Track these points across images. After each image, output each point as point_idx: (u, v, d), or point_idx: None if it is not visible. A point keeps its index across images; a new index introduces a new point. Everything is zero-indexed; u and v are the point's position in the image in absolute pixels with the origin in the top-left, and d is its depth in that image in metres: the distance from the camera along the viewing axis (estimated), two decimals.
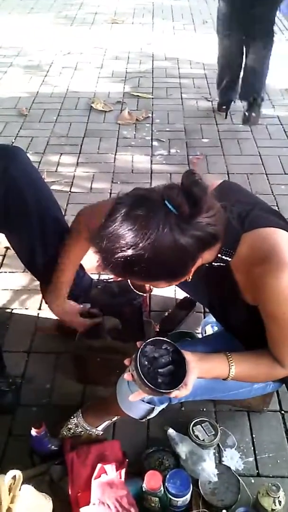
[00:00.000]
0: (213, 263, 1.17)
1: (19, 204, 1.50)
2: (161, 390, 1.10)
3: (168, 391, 1.11)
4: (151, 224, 0.97)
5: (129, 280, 1.16)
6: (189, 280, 1.13)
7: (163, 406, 1.39)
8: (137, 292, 1.20)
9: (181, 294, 2.10)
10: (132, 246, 0.97)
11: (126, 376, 1.15)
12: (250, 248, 1.14)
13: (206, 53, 4.93)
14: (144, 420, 1.41)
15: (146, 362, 1.14)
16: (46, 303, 1.68)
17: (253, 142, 3.39)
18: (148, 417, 1.40)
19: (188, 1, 6.62)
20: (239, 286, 1.20)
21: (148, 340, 1.17)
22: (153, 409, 1.36)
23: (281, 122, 3.67)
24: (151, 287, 1.12)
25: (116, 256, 0.99)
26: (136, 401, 1.29)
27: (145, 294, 1.18)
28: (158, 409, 1.38)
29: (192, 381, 1.15)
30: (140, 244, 0.97)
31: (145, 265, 0.99)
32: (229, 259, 1.15)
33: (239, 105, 3.89)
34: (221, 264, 1.17)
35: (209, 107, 3.88)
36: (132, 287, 1.17)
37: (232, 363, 1.22)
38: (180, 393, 1.13)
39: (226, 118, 3.65)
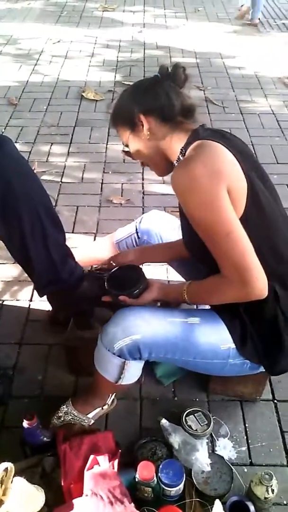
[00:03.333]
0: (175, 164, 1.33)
1: (6, 194, 1.47)
2: (111, 291, 1.45)
3: (118, 293, 1.42)
4: (140, 81, 1.38)
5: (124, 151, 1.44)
6: (146, 138, 1.33)
7: (136, 364, 1.40)
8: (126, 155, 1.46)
9: (173, 282, 2.10)
10: (120, 95, 1.38)
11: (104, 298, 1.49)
12: (189, 151, 1.24)
13: (198, 41, 4.90)
14: (119, 382, 1.42)
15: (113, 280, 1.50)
16: None
17: (246, 131, 3.38)
18: (122, 379, 1.41)
19: None
20: None
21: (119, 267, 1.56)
22: (123, 364, 1.37)
23: (274, 112, 3.66)
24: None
25: (112, 109, 1.39)
26: (107, 356, 1.38)
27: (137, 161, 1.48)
28: (130, 366, 1.39)
29: (145, 298, 1.41)
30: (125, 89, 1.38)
31: (116, 103, 1.37)
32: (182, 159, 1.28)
33: (231, 95, 3.88)
34: None
35: (201, 96, 3.85)
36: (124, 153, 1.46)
37: (185, 287, 1.37)
38: (129, 301, 1.40)
39: None
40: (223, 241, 1.18)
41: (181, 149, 1.31)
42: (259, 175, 1.31)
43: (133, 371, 1.43)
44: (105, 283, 1.49)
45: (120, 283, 1.46)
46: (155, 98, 1.31)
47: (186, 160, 1.21)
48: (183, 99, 1.32)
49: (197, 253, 1.42)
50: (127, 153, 1.44)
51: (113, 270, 1.55)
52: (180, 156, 1.31)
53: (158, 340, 1.34)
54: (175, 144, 1.32)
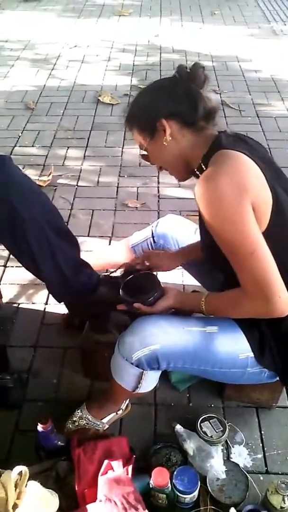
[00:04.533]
0: (196, 172, 1.29)
1: (11, 216, 1.48)
2: (126, 298, 1.42)
3: (133, 300, 1.39)
4: (153, 83, 1.35)
5: (140, 153, 1.41)
6: (166, 143, 1.28)
7: (153, 373, 1.39)
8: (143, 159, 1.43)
9: (189, 286, 2.09)
10: (137, 97, 1.35)
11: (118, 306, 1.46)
12: (212, 161, 1.20)
13: (214, 45, 4.88)
14: (136, 392, 1.41)
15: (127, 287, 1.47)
16: None
17: (262, 135, 3.35)
18: (140, 388, 1.40)
19: None
20: None
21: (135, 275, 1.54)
22: (141, 374, 1.36)
23: None
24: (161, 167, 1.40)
25: (128, 109, 1.36)
26: (125, 366, 1.35)
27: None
28: (147, 376, 1.37)
29: (161, 306, 1.38)
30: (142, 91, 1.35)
31: (133, 105, 1.35)
32: (205, 168, 1.22)
33: (248, 98, 3.85)
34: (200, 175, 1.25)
35: (218, 99, 3.83)
36: (142, 158, 1.43)
37: (203, 298, 1.33)
38: (143, 308, 1.37)
39: None
40: (247, 259, 1.15)
41: (203, 156, 1.26)
42: (282, 183, 1.27)
43: (151, 380, 1.42)
44: (120, 291, 1.46)
45: (135, 291, 1.44)
46: (177, 101, 1.26)
47: (210, 172, 1.16)
48: (205, 102, 1.27)
49: (216, 261, 1.37)
50: (144, 157, 1.40)
51: (128, 277, 1.53)
52: (202, 164, 1.26)
53: (176, 350, 1.32)
54: (197, 150, 1.27)
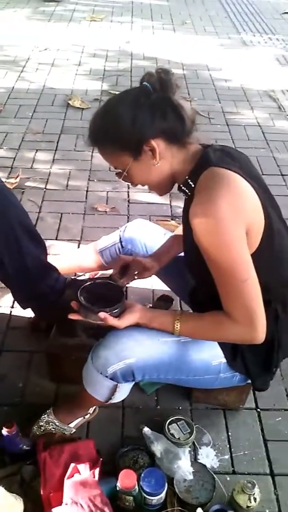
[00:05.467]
0: (182, 187, 1.25)
1: None
2: (88, 305, 1.26)
3: (98, 309, 1.23)
4: (123, 96, 1.22)
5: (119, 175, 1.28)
6: (157, 164, 1.19)
7: (127, 385, 1.38)
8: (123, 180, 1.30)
9: (158, 291, 2.10)
10: (100, 113, 1.22)
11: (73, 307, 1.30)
12: (204, 179, 1.15)
13: (185, 53, 4.95)
14: (109, 402, 1.39)
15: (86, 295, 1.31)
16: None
17: (232, 142, 3.40)
18: (113, 399, 1.38)
19: (167, 1, 6.64)
20: None
21: (96, 282, 1.41)
22: (116, 386, 1.34)
23: (259, 124, 3.70)
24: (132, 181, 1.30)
25: (96, 128, 1.21)
26: (99, 379, 1.32)
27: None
28: (121, 388, 1.36)
29: (128, 319, 1.26)
30: (107, 108, 1.22)
31: (107, 123, 1.19)
32: (193, 185, 1.20)
33: (217, 107, 3.92)
34: (188, 192, 1.24)
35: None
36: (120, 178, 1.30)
37: (178, 316, 1.27)
38: (110, 320, 1.23)
39: None
40: (239, 286, 1.13)
41: (190, 172, 1.21)
42: (271, 202, 1.26)
43: (124, 391, 1.40)
44: (79, 297, 1.30)
45: (95, 299, 1.31)
46: (163, 117, 1.15)
47: (207, 196, 1.09)
48: (186, 113, 1.18)
49: (198, 277, 1.38)
50: (121, 176, 1.27)
51: (86, 284, 1.37)
52: (189, 180, 1.21)
53: (152, 362, 1.31)
54: (184, 166, 1.22)
